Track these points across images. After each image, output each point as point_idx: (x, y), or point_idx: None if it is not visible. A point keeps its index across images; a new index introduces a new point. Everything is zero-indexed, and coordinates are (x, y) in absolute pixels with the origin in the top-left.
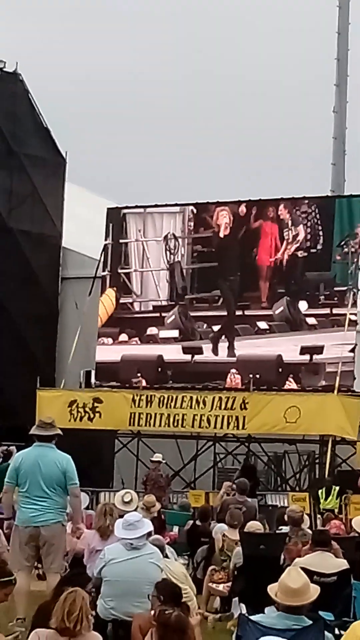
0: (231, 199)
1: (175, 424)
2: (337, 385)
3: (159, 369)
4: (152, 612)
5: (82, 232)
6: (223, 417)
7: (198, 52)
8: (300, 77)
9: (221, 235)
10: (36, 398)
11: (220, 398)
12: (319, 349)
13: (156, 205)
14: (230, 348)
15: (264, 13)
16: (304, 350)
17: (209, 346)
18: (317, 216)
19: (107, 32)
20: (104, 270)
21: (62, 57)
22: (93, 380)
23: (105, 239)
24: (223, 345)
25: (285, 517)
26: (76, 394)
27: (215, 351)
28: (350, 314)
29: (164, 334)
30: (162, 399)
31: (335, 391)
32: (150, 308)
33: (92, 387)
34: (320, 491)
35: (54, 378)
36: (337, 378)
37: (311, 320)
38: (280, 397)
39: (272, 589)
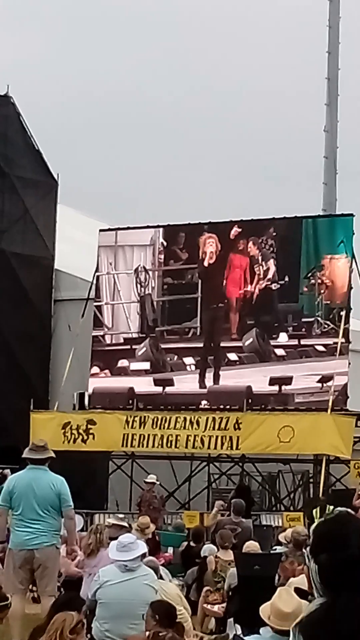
0: (222, 219)
1: (169, 445)
2: (330, 404)
3: (130, 401)
4: (147, 632)
5: (74, 253)
6: (217, 437)
7: (190, 73)
8: (290, 96)
9: (206, 264)
10: (29, 419)
11: (213, 418)
12: (287, 380)
13: (128, 228)
14: (216, 378)
15: (253, 32)
16: (273, 381)
17: (180, 377)
18: (287, 247)
19: (100, 54)
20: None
21: (54, 79)
22: (87, 402)
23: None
24: (197, 377)
25: (281, 537)
26: (70, 415)
27: (201, 382)
28: (342, 343)
29: (135, 366)
30: (155, 419)
31: (329, 410)
32: (121, 340)
33: (85, 409)
34: (314, 510)
35: (47, 400)
36: (331, 397)
37: (280, 352)
38: (273, 416)
39: (264, 611)
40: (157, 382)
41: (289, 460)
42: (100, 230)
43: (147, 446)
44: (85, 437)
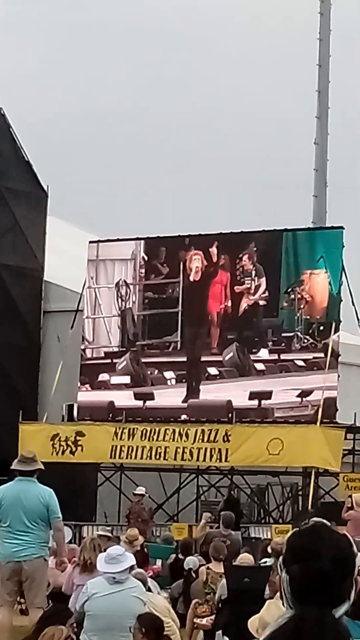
0: (211, 231)
1: (158, 457)
2: (319, 417)
3: (110, 415)
4: None
5: (64, 265)
6: (206, 449)
7: (180, 86)
8: (280, 108)
9: (191, 279)
10: (18, 431)
11: (202, 430)
12: (267, 394)
13: (110, 240)
14: (195, 392)
15: (244, 44)
16: (252, 396)
17: (161, 392)
18: (268, 262)
19: (90, 66)
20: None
21: (45, 91)
22: (75, 414)
23: None
24: (177, 391)
25: (269, 550)
26: (58, 427)
27: (190, 396)
28: (322, 358)
29: (116, 380)
30: (144, 431)
31: (318, 423)
32: (102, 354)
33: (74, 420)
34: (303, 523)
35: (36, 411)
36: (320, 410)
37: (259, 366)
38: (262, 429)
39: (252, 624)
40: (137, 396)
41: (278, 473)
42: (90, 242)
43: (135, 458)
44: (74, 449)
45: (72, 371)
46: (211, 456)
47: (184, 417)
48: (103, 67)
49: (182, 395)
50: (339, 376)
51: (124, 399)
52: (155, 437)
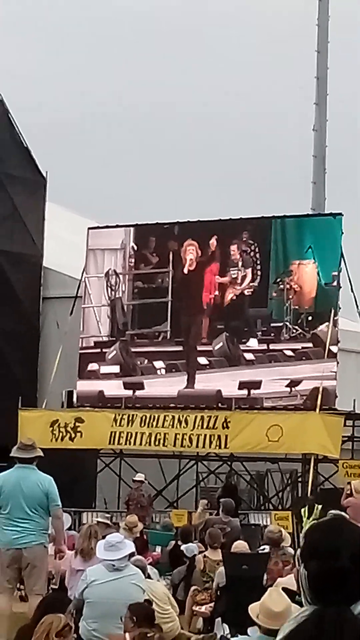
0: (209, 218)
1: (157, 443)
2: (318, 403)
3: (100, 404)
4: (127, 634)
5: (63, 251)
6: (205, 436)
7: (178, 73)
8: (279, 95)
9: (186, 270)
10: (18, 417)
11: (202, 417)
12: (256, 384)
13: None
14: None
15: (242, 29)
16: (242, 385)
17: (150, 381)
18: (257, 253)
19: (89, 54)
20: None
21: (43, 77)
22: (75, 400)
23: None
24: (170, 380)
25: (264, 538)
26: (58, 413)
27: (191, 385)
28: (330, 345)
29: (105, 369)
30: (144, 418)
31: (317, 409)
32: (92, 344)
33: (74, 407)
34: (302, 510)
35: (35, 398)
36: (319, 397)
37: (249, 356)
38: (262, 415)
39: (253, 609)
40: (127, 386)
41: (278, 459)
42: (89, 228)
43: (135, 444)
44: (73, 435)
45: (72, 358)
46: (210, 443)
47: (173, 406)
48: (103, 55)
49: (172, 385)
50: (337, 363)
51: (114, 388)
52: (154, 424)
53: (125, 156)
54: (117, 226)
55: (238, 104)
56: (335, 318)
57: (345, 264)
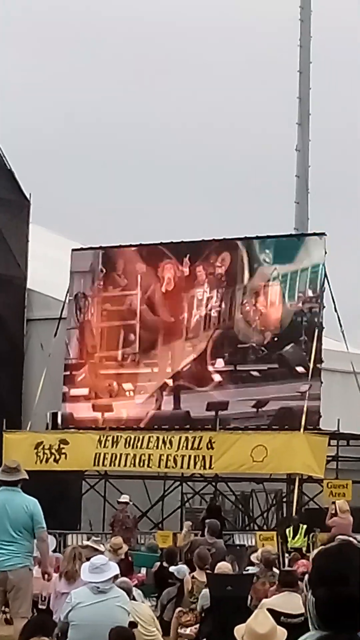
0: (194, 237)
1: (142, 464)
2: (303, 423)
3: (69, 427)
4: None
5: (47, 273)
6: (190, 456)
7: (160, 90)
8: (262, 115)
9: (163, 289)
10: (2, 439)
11: (186, 438)
12: (224, 405)
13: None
14: (176, 401)
15: (224, 50)
16: (210, 406)
17: (119, 404)
18: (223, 275)
19: (72, 75)
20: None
21: (26, 99)
22: (59, 421)
23: None
24: (139, 403)
25: (254, 557)
26: (42, 435)
27: (176, 405)
28: (315, 365)
29: (75, 392)
30: (128, 439)
31: (302, 429)
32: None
33: (58, 428)
34: (287, 530)
35: (20, 420)
36: (303, 417)
37: (217, 377)
38: (246, 436)
39: (238, 631)
40: (95, 408)
41: (262, 480)
42: (73, 250)
43: (119, 465)
44: (58, 457)
45: (56, 379)
46: (195, 463)
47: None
48: (86, 76)
49: (140, 407)
50: (321, 382)
51: (83, 410)
52: (139, 445)
53: (109, 177)
54: (100, 248)
55: (220, 124)
56: (301, 338)
57: (328, 283)
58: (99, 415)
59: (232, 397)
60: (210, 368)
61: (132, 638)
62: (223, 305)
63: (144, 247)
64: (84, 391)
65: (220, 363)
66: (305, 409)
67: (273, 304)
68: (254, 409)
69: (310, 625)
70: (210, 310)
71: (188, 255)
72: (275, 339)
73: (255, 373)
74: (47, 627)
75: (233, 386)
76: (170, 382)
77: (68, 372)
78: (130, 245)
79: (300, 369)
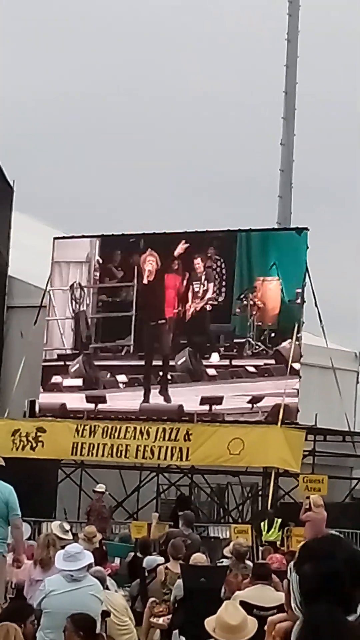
0: (175, 230)
1: (119, 455)
2: (280, 417)
3: (62, 417)
4: None
5: (28, 261)
6: (167, 448)
7: (148, 81)
8: (247, 109)
9: (145, 281)
10: None
11: (164, 429)
12: (218, 400)
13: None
14: (164, 392)
15: (211, 43)
16: (204, 401)
17: (113, 395)
18: (222, 268)
19: (55, 59)
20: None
21: (9, 85)
22: (37, 409)
23: None
24: (132, 394)
25: (226, 551)
26: (19, 423)
27: (146, 399)
28: (293, 361)
29: (68, 382)
30: (105, 429)
31: (279, 423)
32: (55, 356)
33: (36, 416)
34: (262, 523)
35: None
36: (281, 411)
37: (211, 371)
38: (224, 428)
39: (209, 623)
40: (89, 399)
41: (238, 473)
42: (55, 238)
43: (96, 455)
44: (35, 445)
45: (35, 367)
46: (172, 455)
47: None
48: (69, 61)
49: (134, 399)
50: (300, 378)
51: (76, 401)
52: (116, 435)
53: (94, 166)
54: (82, 236)
55: (204, 117)
56: (299, 335)
57: (310, 278)
58: (92, 406)
59: (226, 392)
60: (205, 362)
61: (95, 626)
62: (220, 300)
63: (142, 238)
64: (78, 382)
65: (215, 357)
66: (282, 405)
67: (271, 299)
68: (249, 405)
69: (293, 606)
70: (204, 303)
71: (186, 247)
72: (273, 334)
73: (251, 368)
74: (24, 613)
75: (228, 381)
76: (164, 375)
77: (62, 362)
78: (127, 235)
79: (296, 365)
